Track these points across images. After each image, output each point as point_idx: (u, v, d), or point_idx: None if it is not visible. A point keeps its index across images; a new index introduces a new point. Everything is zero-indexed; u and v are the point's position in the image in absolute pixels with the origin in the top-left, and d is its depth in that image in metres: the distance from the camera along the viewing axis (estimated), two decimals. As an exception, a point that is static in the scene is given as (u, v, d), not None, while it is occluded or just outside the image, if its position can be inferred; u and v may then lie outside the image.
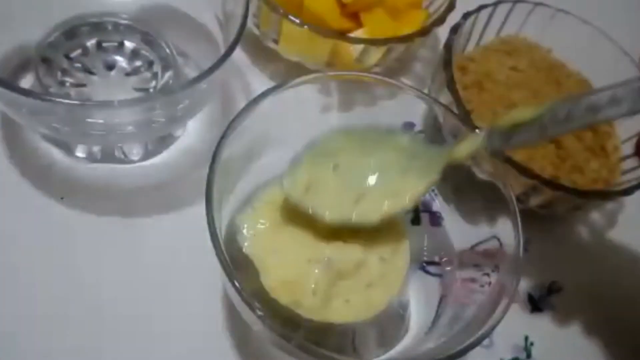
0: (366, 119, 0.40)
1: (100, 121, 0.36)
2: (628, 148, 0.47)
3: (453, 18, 0.47)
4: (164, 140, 0.44)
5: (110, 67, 0.44)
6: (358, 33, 0.47)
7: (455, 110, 0.41)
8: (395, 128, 0.37)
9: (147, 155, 0.43)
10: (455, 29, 0.46)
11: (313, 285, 0.33)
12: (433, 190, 0.41)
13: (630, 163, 0.46)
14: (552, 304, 0.44)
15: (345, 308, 0.34)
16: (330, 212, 0.34)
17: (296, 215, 0.36)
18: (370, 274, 0.35)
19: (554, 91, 0.48)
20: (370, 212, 0.34)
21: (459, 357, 0.29)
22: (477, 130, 0.34)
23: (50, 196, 0.40)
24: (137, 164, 0.43)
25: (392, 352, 0.35)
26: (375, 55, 0.46)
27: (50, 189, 0.40)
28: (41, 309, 0.36)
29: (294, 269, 0.34)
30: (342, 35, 0.45)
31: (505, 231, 0.34)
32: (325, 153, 0.36)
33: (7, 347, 0.35)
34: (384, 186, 0.35)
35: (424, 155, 0.35)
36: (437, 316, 0.36)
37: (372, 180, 0.35)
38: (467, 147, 0.34)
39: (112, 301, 0.37)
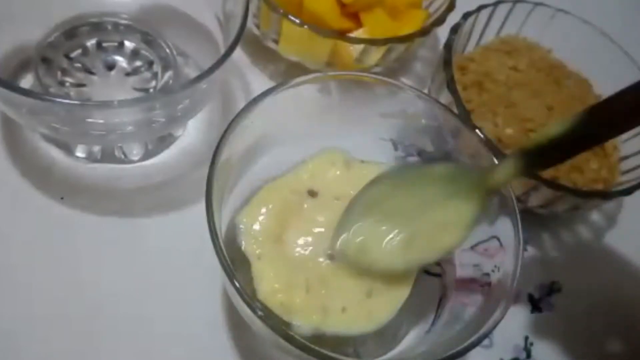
0: (366, 118, 0.40)
1: (100, 121, 0.36)
2: (628, 148, 0.47)
3: (453, 18, 0.47)
4: (164, 140, 0.44)
5: (110, 67, 0.44)
6: (358, 33, 0.47)
7: (455, 110, 0.41)
8: (427, 161, 0.36)
9: (147, 155, 0.43)
10: (455, 29, 0.46)
11: (304, 291, 0.33)
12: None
13: (630, 163, 0.46)
14: (552, 304, 0.44)
15: (343, 318, 0.34)
16: (384, 262, 0.34)
17: (296, 215, 0.36)
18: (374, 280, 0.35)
19: (554, 91, 0.48)
20: (425, 252, 0.34)
21: (459, 357, 0.29)
22: (508, 154, 0.32)
23: (50, 196, 0.40)
24: (137, 164, 0.43)
25: (392, 353, 0.35)
26: (375, 55, 0.46)
27: (50, 189, 0.40)
28: (41, 309, 0.36)
29: (286, 275, 0.34)
30: (342, 35, 0.45)
31: (505, 231, 0.34)
32: (370, 207, 0.35)
33: (7, 347, 0.35)
34: (433, 221, 0.34)
35: (462, 179, 0.34)
36: (437, 316, 0.36)
37: (419, 219, 0.34)
38: (504, 172, 0.32)
39: (112, 301, 0.37)
